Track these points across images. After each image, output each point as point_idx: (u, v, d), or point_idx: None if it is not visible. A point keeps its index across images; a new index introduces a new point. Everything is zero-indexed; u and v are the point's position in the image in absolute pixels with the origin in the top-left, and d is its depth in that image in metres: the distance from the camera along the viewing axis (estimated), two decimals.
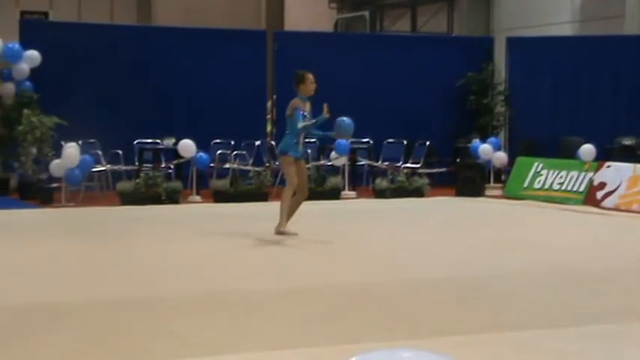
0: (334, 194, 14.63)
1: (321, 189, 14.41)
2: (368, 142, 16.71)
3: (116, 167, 15.33)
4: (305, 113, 9.60)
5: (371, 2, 24.05)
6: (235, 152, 15.68)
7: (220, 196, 14.14)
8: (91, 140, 15.09)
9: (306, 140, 10.67)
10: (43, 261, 8.42)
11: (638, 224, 11.82)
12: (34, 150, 14.36)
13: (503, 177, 16.49)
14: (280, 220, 9.60)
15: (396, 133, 16.79)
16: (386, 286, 7.20)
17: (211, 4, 25.80)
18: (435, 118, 17.71)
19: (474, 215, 12.97)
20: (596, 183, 13.78)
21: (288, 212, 9.66)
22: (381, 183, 15.14)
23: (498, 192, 15.57)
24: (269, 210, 11.28)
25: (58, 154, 13.72)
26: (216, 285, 7.24)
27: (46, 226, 11.40)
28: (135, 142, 15.55)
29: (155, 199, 13.44)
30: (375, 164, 16.31)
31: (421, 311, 6.26)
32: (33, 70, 15.12)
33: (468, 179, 15.37)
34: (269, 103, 17.73)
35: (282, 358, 5.02)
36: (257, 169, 14.78)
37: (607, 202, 13.39)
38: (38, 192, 13.86)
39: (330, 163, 15.44)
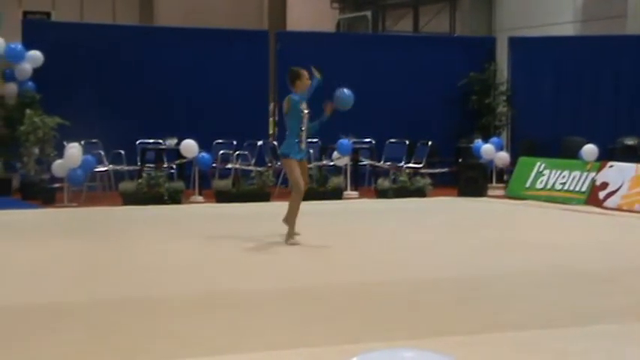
0: (336, 194, 14.63)
1: (323, 189, 14.42)
2: (370, 142, 16.73)
3: (118, 167, 15.35)
4: (304, 110, 9.43)
5: (373, 2, 24.05)
6: (237, 152, 15.70)
7: (222, 197, 14.15)
8: (94, 140, 15.11)
9: (309, 140, 10.58)
10: (45, 261, 8.43)
11: None
12: (36, 150, 14.38)
13: (505, 177, 16.49)
14: (289, 230, 9.40)
15: (398, 133, 16.81)
16: (387, 286, 7.20)
17: (213, 4, 25.82)
18: (437, 118, 17.71)
19: (476, 215, 12.97)
20: (598, 183, 13.77)
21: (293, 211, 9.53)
22: (384, 183, 15.15)
23: (501, 192, 15.57)
24: (271, 210, 11.30)
25: (60, 154, 13.74)
26: (216, 285, 7.25)
27: (48, 226, 11.41)
28: (137, 142, 15.58)
29: (157, 200, 13.45)
30: (378, 164, 16.32)
31: (422, 311, 6.26)
32: (35, 71, 15.14)
33: (470, 179, 15.37)
34: (271, 105, 17.73)
35: (283, 358, 5.02)
36: (259, 169, 14.79)
37: (609, 202, 13.38)
38: (40, 192, 13.88)
39: (332, 163, 15.45)
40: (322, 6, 24.83)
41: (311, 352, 5.09)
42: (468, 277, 7.66)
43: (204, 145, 14.64)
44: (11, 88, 15.20)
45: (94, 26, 18.16)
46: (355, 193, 15.35)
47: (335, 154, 15.22)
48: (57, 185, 13.88)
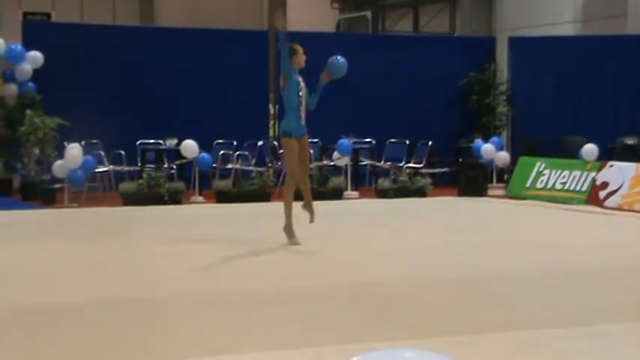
0: (337, 194, 14.64)
1: (323, 189, 14.42)
2: (370, 142, 16.73)
3: (119, 168, 15.35)
4: (301, 83, 9.24)
5: (373, 2, 24.05)
6: (238, 152, 15.71)
7: (223, 197, 14.15)
8: (94, 141, 15.12)
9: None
10: (46, 261, 8.43)
11: None
12: (36, 151, 14.40)
13: (505, 177, 16.50)
14: (286, 221, 9.32)
15: (398, 133, 16.81)
16: (387, 285, 7.20)
17: (213, 5, 25.81)
18: (437, 118, 17.72)
19: (476, 215, 12.97)
20: (598, 183, 13.78)
21: (305, 195, 9.40)
22: (384, 183, 15.15)
23: (501, 192, 15.57)
24: (271, 210, 11.30)
25: (60, 154, 13.75)
26: (216, 285, 7.25)
27: (48, 227, 11.41)
28: (137, 142, 15.58)
29: (158, 200, 13.46)
30: (378, 164, 16.32)
31: (422, 311, 6.26)
32: (35, 71, 15.16)
33: (471, 179, 15.37)
34: (272, 108, 17.71)
35: (283, 358, 5.02)
36: (259, 169, 14.80)
37: (609, 202, 13.38)
38: (41, 193, 13.89)
39: (332, 163, 15.46)
40: (322, 6, 24.82)
41: (311, 352, 5.09)
42: (468, 277, 7.66)
43: (204, 146, 14.65)
44: (11, 88, 15.21)
45: (94, 27, 18.16)
46: (355, 193, 15.36)
47: (335, 154, 15.22)
48: (57, 186, 13.89)
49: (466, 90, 17.99)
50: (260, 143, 16.18)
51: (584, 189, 14.01)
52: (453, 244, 9.62)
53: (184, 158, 14.48)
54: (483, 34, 20.58)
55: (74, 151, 13.45)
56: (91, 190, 14.69)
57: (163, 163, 15.07)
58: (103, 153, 15.21)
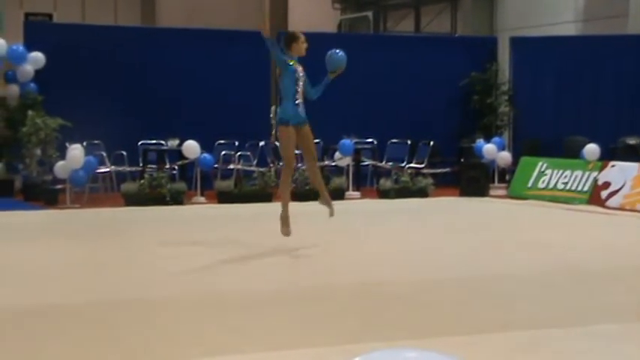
0: (338, 194, 14.60)
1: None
2: (372, 142, 16.73)
3: (120, 168, 15.36)
4: (300, 72, 8.91)
5: (374, 3, 24.06)
6: (239, 153, 15.71)
7: (224, 197, 14.15)
8: (96, 141, 15.13)
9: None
10: (46, 262, 8.44)
11: None
12: (38, 151, 14.41)
13: (507, 177, 16.49)
14: (282, 209, 9.09)
15: (399, 133, 16.80)
16: (388, 286, 7.20)
17: (215, 5, 25.81)
18: (438, 118, 17.71)
19: (477, 215, 12.97)
20: (600, 182, 13.77)
21: (319, 188, 9.23)
22: (385, 183, 15.15)
23: (502, 192, 15.57)
24: (273, 210, 11.26)
25: (62, 155, 13.75)
26: (217, 285, 7.25)
27: (50, 228, 11.42)
28: (139, 143, 15.59)
29: (159, 200, 13.46)
30: (379, 164, 16.32)
31: (423, 311, 6.26)
32: (37, 72, 15.17)
33: (472, 179, 15.36)
34: (273, 109, 17.70)
35: (283, 359, 5.02)
36: (261, 169, 14.80)
37: (611, 202, 13.37)
38: (43, 193, 13.90)
39: (334, 164, 15.46)
40: (323, 6, 24.83)
41: (312, 352, 5.09)
42: (468, 277, 7.66)
43: (206, 146, 14.65)
44: (13, 89, 15.23)
45: (96, 27, 18.16)
46: (357, 194, 15.36)
47: (337, 154, 15.23)
48: (59, 186, 13.89)
49: (468, 90, 17.98)
50: (262, 143, 16.18)
51: (585, 189, 14.00)
52: (454, 245, 9.61)
53: (186, 159, 14.49)
54: (485, 34, 20.58)
55: (76, 151, 13.45)
56: (92, 191, 14.69)
57: (165, 164, 15.07)
58: (104, 153, 15.22)
